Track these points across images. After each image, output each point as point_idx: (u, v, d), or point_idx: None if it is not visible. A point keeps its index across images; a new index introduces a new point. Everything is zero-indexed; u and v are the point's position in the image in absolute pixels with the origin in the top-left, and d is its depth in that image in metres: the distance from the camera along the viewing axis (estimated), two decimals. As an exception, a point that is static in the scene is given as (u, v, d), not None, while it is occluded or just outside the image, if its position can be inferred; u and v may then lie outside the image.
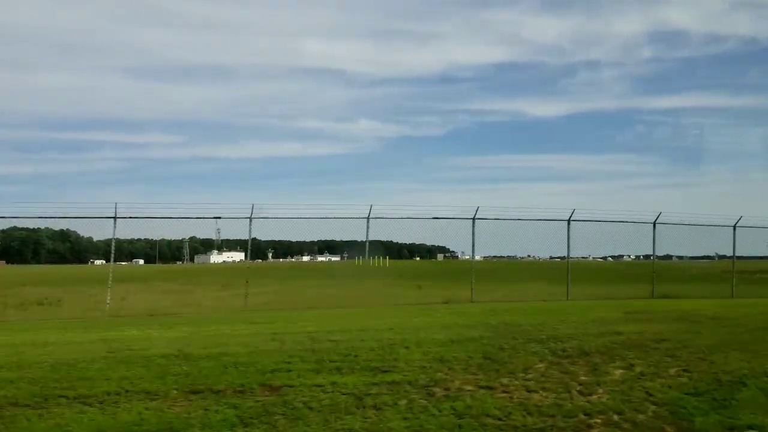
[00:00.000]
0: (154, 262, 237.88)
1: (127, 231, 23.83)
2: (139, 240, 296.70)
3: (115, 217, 19.57)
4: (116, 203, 19.36)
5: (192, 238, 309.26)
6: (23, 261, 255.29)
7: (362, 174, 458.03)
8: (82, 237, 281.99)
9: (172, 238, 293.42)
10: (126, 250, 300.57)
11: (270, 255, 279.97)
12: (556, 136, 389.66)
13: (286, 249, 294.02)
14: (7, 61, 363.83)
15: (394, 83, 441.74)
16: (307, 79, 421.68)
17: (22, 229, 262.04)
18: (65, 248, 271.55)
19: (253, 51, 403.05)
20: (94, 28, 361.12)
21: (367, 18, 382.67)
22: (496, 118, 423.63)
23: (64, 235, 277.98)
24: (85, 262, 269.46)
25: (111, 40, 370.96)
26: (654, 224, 24.16)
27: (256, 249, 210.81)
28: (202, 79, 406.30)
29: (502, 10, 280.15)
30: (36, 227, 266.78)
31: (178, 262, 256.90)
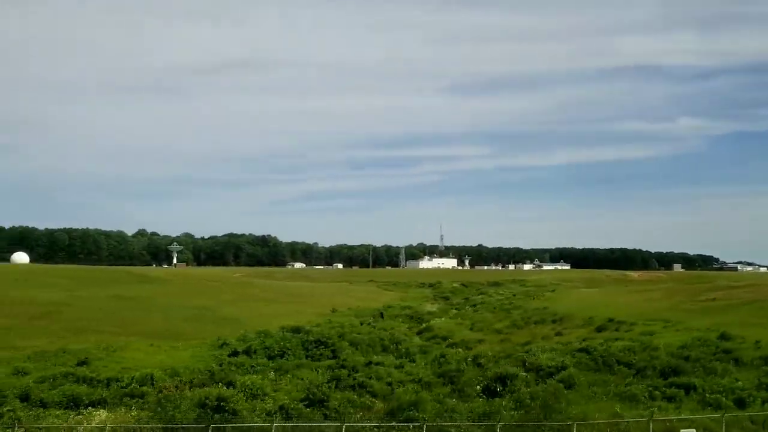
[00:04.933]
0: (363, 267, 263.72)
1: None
2: (360, 245, 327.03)
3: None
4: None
5: (408, 246, 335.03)
6: (224, 264, 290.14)
7: (684, 177, 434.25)
8: (281, 242, 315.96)
9: (392, 244, 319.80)
10: (345, 255, 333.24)
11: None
12: None
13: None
14: (347, 88, 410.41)
15: (722, 75, 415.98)
16: (619, 78, 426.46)
17: (224, 235, 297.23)
18: (263, 252, 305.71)
19: (559, 57, 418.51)
20: (409, 53, 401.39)
21: (688, 6, 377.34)
22: None
23: (264, 241, 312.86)
24: (282, 265, 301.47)
25: (424, 62, 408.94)
26: None
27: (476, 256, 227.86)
28: (506, 90, 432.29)
29: None
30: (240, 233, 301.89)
31: (387, 267, 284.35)
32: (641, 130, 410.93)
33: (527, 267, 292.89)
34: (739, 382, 29.42)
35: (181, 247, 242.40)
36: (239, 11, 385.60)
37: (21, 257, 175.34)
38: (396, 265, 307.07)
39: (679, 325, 54.30)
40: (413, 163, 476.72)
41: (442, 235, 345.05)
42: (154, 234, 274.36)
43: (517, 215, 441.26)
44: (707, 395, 27.35)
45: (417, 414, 23.63)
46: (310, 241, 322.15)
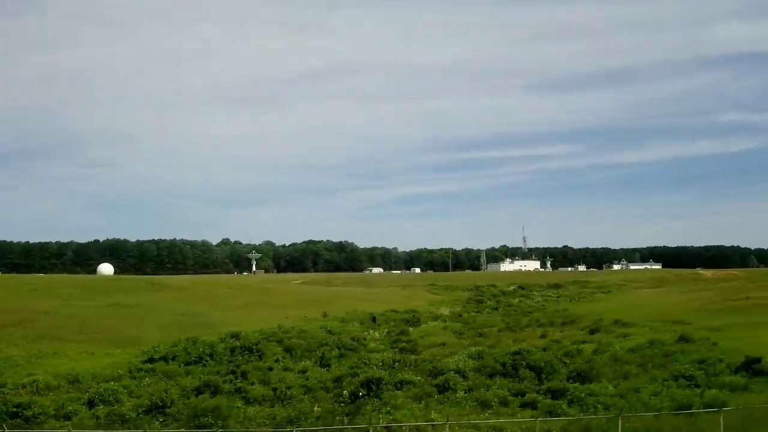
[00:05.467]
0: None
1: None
2: (441, 249, 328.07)
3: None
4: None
5: (490, 249, 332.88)
6: (303, 269, 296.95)
7: None
8: (358, 248, 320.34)
9: (473, 247, 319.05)
10: (425, 259, 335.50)
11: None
12: None
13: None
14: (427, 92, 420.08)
15: None
16: (720, 68, 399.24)
17: (303, 242, 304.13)
18: (341, 258, 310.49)
19: (656, 48, 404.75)
20: (491, 52, 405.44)
21: None
22: None
23: (341, 247, 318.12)
24: (360, 270, 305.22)
25: (507, 60, 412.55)
26: None
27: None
28: (598, 86, 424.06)
29: None
30: (318, 240, 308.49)
31: (467, 270, 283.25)
32: (741, 121, 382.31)
33: (616, 267, 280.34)
34: (610, 388, 26.52)
35: (260, 254, 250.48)
36: (319, 20, 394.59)
37: (106, 268, 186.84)
38: (477, 268, 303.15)
39: (677, 327, 50.26)
40: (497, 164, 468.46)
41: (524, 237, 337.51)
42: (237, 243, 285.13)
43: (605, 214, 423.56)
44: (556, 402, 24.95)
45: (210, 420, 23.03)
46: (390, 246, 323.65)
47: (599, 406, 24.23)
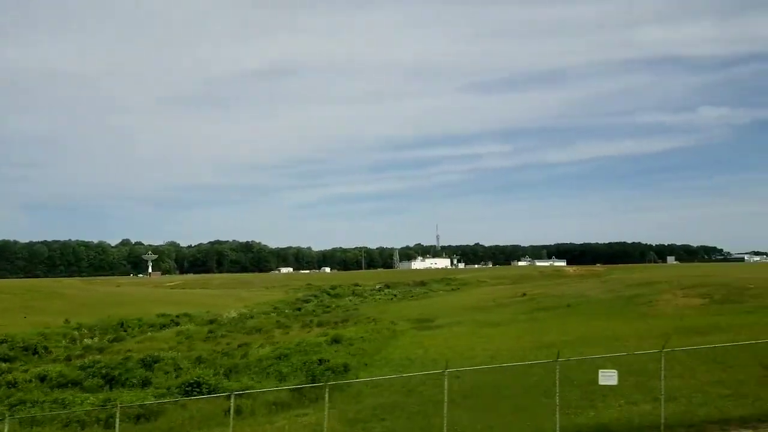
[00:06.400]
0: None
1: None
2: (354, 248, 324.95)
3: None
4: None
5: (405, 248, 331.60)
6: (207, 271, 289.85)
7: (712, 167, 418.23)
8: (266, 248, 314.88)
9: (389, 246, 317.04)
10: (339, 258, 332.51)
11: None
12: None
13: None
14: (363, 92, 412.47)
15: (744, 62, 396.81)
16: (642, 70, 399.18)
17: (208, 243, 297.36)
18: (247, 258, 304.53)
19: (581, 50, 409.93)
20: (436, 53, 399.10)
21: None
22: None
23: (248, 247, 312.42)
24: (267, 270, 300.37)
25: (449, 62, 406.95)
26: None
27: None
28: (529, 86, 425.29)
29: None
30: (224, 240, 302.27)
31: (380, 269, 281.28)
32: (662, 122, 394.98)
33: (522, 264, 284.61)
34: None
35: (156, 256, 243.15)
36: (256, 20, 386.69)
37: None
38: (390, 266, 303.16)
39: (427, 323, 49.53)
40: (426, 164, 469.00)
41: (438, 236, 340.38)
42: (138, 243, 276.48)
43: (517, 213, 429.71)
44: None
45: None
46: (304, 245, 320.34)
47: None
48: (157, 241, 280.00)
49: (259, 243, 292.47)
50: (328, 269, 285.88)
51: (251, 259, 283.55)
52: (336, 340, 36.07)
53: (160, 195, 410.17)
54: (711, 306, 44.86)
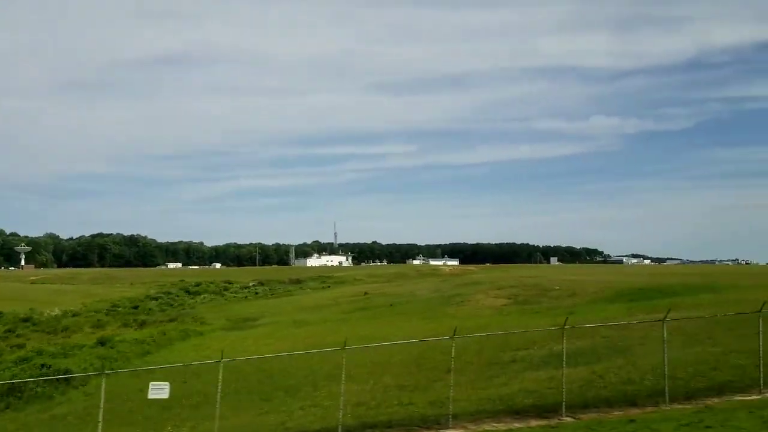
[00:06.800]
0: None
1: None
2: (249, 244, 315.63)
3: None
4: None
5: (302, 244, 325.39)
6: (88, 265, 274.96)
7: (601, 174, 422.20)
8: (152, 241, 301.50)
9: (286, 243, 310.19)
10: (233, 254, 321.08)
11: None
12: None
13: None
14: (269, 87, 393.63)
15: (634, 75, 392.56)
16: (542, 78, 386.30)
17: (90, 235, 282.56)
18: (131, 252, 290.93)
19: (484, 56, 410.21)
20: (346, 51, 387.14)
21: (604, 8, 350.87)
22: (758, 104, 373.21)
23: (133, 241, 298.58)
24: (152, 265, 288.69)
25: (358, 61, 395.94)
26: None
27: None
28: (435, 90, 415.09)
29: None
30: (109, 233, 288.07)
31: (274, 265, 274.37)
32: (558, 129, 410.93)
33: (416, 262, 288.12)
34: None
35: (29, 248, 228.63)
36: (170, 6, 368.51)
37: None
38: (286, 263, 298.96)
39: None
40: (332, 161, 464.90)
41: (335, 233, 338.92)
42: (13, 234, 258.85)
43: (414, 212, 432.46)
44: None
45: None
46: (196, 240, 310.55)
47: None
48: (38, 233, 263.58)
49: (145, 237, 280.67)
50: (218, 265, 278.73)
51: (135, 253, 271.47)
52: (102, 343, 33.97)
53: (46, 184, 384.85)
54: (510, 306, 46.10)
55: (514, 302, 47.67)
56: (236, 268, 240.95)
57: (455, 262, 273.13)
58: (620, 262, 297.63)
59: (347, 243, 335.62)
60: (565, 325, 17.99)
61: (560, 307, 41.73)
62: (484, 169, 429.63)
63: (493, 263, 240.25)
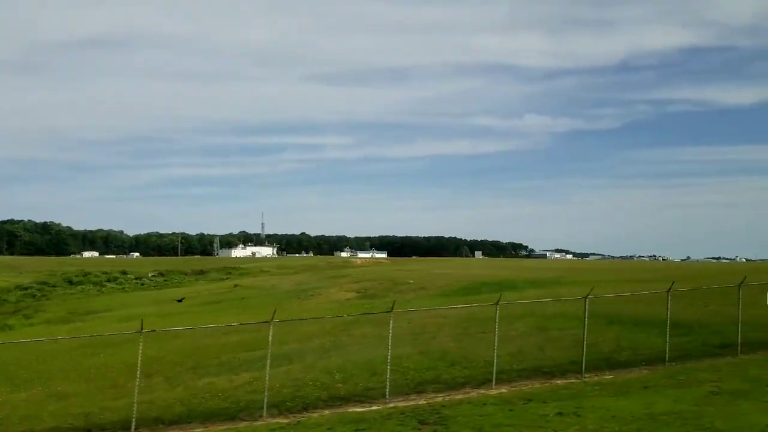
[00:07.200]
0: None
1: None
2: (171, 234, 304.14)
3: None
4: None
5: (228, 235, 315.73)
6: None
7: (532, 171, 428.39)
8: (69, 229, 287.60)
9: (209, 233, 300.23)
10: (154, 244, 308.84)
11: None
12: (750, 126, 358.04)
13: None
14: (203, 73, 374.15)
15: (567, 75, 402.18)
16: (479, 76, 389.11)
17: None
18: (44, 240, 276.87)
19: (425, 51, 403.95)
20: (286, 39, 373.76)
21: (541, 9, 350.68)
22: (681, 107, 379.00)
23: (46, 228, 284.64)
24: (66, 254, 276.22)
25: (298, 50, 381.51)
26: None
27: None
28: (376, 82, 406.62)
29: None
30: (17, 219, 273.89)
31: (198, 255, 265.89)
32: (494, 126, 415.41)
33: (343, 255, 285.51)
34: None
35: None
36: None
37: None
38: (210, 253, 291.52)
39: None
40: (256, 151, 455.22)
41: (263, 223, 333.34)
42: None
43: (346, 204, 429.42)
44: None
45: None
46: (117, 229, 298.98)
47: None
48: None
49: (59, 224, 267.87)
50: (136, 254, 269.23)
51: (48, 241, 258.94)
52: None
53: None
54: (355, 300, 44.02)
55: (363, 296, 45.66)
56: (154, 258, 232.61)
57: (383, 255, 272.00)
58: (544, 256, 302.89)
59: (275, 234, 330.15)
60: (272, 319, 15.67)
61: (398, 301, 39.80)
62: (421, 164, 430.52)
63: (420, 256, 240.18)
